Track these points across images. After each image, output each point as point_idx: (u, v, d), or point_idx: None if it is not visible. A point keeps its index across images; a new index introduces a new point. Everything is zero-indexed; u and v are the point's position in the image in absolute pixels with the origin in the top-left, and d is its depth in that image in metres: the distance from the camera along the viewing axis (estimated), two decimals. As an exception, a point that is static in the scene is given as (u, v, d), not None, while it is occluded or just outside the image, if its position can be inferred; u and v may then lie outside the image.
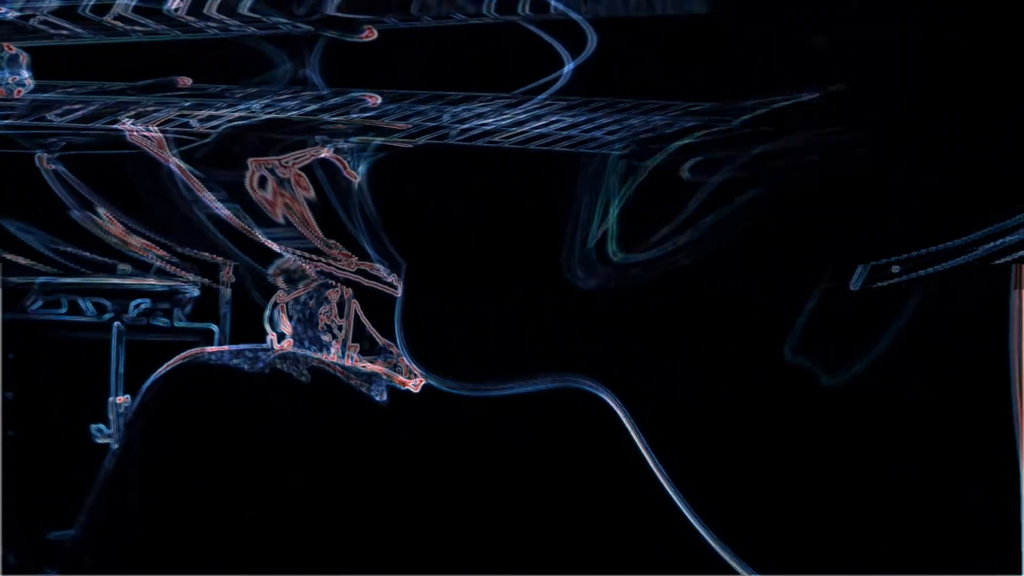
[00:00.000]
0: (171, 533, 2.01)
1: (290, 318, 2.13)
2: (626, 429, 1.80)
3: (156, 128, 2.01)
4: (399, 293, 2.03)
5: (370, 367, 2.10)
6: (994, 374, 1.66)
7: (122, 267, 2.19)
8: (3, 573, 2.09)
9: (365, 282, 2.06)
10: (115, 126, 2.02)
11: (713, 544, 1.72)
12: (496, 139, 1.96)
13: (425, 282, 1.97)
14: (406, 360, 2.04)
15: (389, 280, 2.02)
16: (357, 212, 2.00)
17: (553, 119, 1.92)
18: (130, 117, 2.01)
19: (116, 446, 2.13)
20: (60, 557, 2.08)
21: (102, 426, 2.16)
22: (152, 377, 2.12)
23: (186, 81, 2.01)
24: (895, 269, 1.68)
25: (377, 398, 2.07)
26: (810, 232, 1.76)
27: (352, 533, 1.97)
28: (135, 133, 1.99)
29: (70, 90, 2.04)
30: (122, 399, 2.16)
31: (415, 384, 2.05)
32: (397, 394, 2.05)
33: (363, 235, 2.01)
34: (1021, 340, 1.64)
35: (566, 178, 1.92)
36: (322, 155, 2.03)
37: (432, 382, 2.00)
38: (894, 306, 1.71)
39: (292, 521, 1.99)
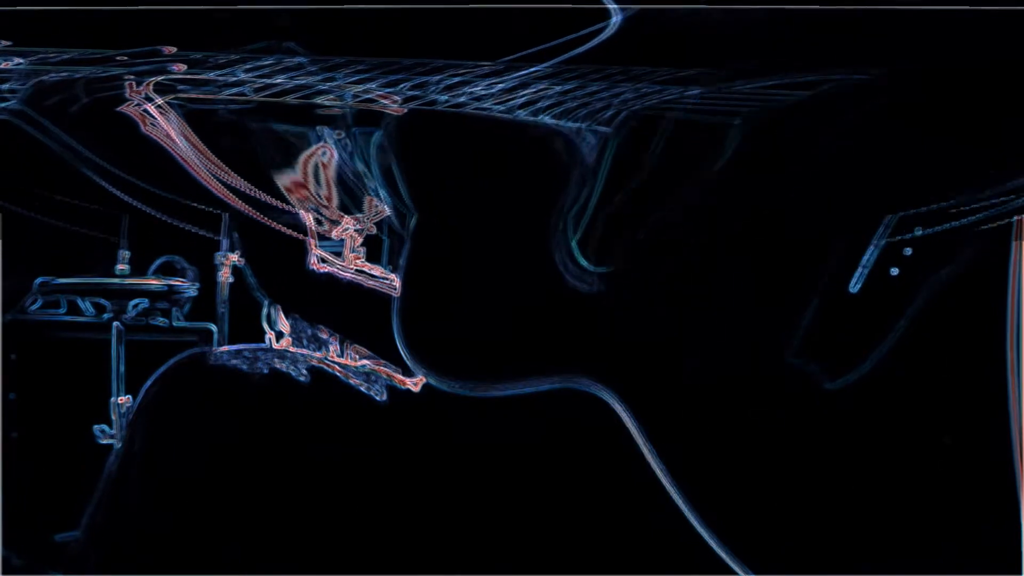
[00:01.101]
0: (174, 534, 2.01)
1: (287, 317, 2.13)
2: (628, 430, 1.80)
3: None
4: (398, 292, 2.02)
5: (370, 364, 2.09)
6: (993, 375, 1.65)
7: (123, 256, 2.19)
8: (6, 574, 2.10)
9: (367, 283, 2.05)
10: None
11: (714, 545, 1.73)
12: (484, 105, 1.94)
13: (433, 240, 1.94)
14: (405, 359, 2.03)
15: (389, 280, 2.01)
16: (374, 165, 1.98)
17: (540, 87, 1.89)
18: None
19: (119, 446, 2.14)
20: (64, 558, 2.09)
21: (105, 426, 2.17)
22: (151, 378, 2.12)
23: (171, 50, 2.00)
24: (918, 232, 1.67)
25: (377, 397, 2.07)
26: (811, 231, 1.74)
27: (353, 533, 1.98)
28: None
29: (52, 56, 2.03)
30: (124, 399, 2.17)
31: (415, 383, 2.05)
32: (397, 393, 2.05)
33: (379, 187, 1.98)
34: (1020, 296, 1.63)
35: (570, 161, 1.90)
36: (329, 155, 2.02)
37: (432, 382, 2.00)
38: (895, 309, 1.69)
39: (293, 521, 1.99)
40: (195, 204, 2.10)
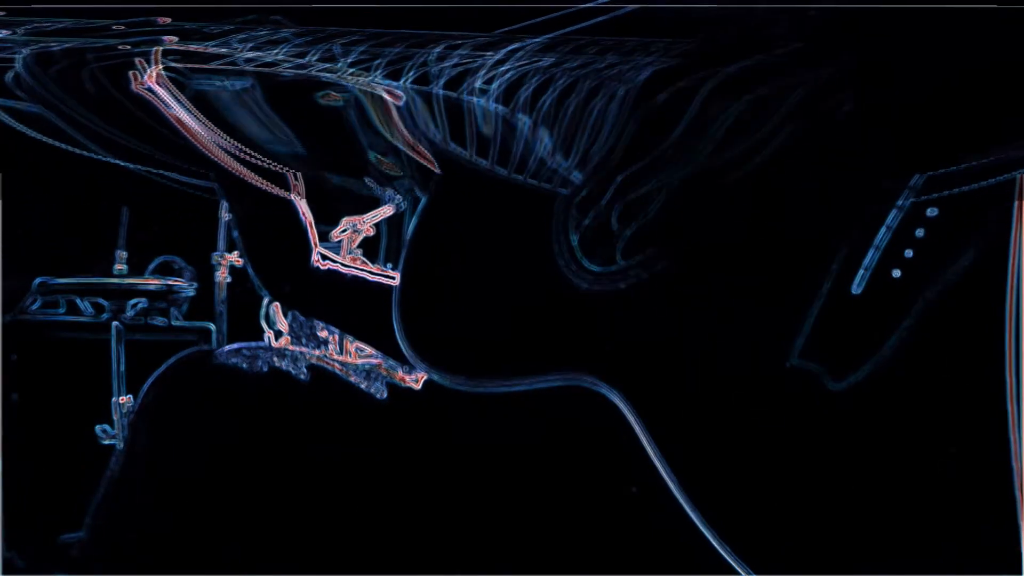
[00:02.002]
0: (174, 534, 2.02)
1: (286, 315, 2.12)
2: (630, 429, 1.79)
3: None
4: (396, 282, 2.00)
5: (371, 361, 2.09)
6: (991, 375, 1.64)
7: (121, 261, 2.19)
8: (7, 574, 2.11)
9: (370, 277, 2.03)
10: None
11: (716, 544, 1.72)
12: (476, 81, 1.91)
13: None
14: (405, 355, 2.01)
15: (389, 276, 1.99)
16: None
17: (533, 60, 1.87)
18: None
19: (121, 447, 2.14)
20: (67, 559, 2.10)
21: (107, 426, 2.18)
22: (151, 378, 2.12)
23: (165, 20, 1.99)
24: (930, 212, 1.65)
25: (377, 395, 2.06)
26: (813, 231, 1.73)
27: (353, 532, 1.98)
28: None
29: (47, 25, 2.02)
30: (125, 399, 2.17)
31: (415, 380, 2.04)
32: (398, 391, 2.04)
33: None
34: (1020, 256, 1.62)
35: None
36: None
37: (433, 378, 1.98)
38: (898, 309, 1.68)
39: (293, 521, 1.99)
40: (193, 169, 2.09)
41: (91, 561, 2.05)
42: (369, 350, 2.09)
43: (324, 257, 2.02)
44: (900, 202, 1.67)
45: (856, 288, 1.69)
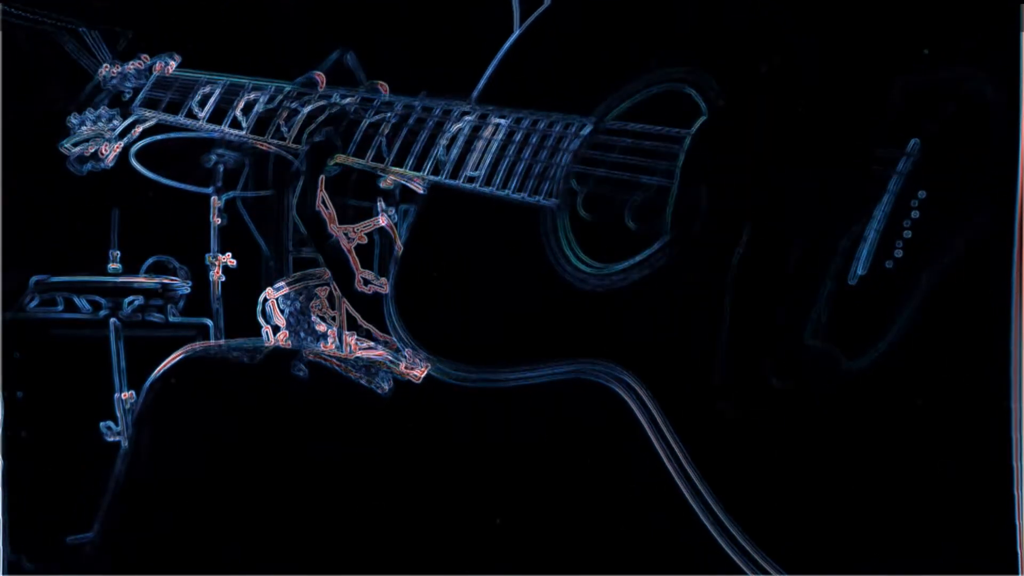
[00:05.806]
0: (174, 533, 2.03)
1: (282, 312, 2.11)
2: (638, 422, 1.78)
3: None
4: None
5: (372, 353, 2.08)
6: (993, 372, 1.62)
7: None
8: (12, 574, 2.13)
9: (361, 287, 2.01)
10: None
11: (721, 542, 1.73)
12: None
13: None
14: (409, 347, 2.00)
15: (379, 283, 1.98)
16: None
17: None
18: None
19: (126, 444, 2.16)
20: (72, 559, 2.13)
21: (111, 423, 2.19)
22: (151, 377, 2.13)
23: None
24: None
25: (379, 390, 2.05)
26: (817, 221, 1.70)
27: (356, 530, 1.99)
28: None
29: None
30: (127, 395, 2.18)
31: (416, 375, 2.02)
32: (399, 386, 2.03)
33: None
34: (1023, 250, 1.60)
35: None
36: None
37: (434, 371, 1.96)
38: (904, 291, 1.65)
39: (295, 519, 2.00)
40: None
41: (97, 561, 2.07)
42: (368, 342, 2.08)
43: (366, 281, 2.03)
44: (900, 168, 1.64)
45: (852, 278, 1.66)
